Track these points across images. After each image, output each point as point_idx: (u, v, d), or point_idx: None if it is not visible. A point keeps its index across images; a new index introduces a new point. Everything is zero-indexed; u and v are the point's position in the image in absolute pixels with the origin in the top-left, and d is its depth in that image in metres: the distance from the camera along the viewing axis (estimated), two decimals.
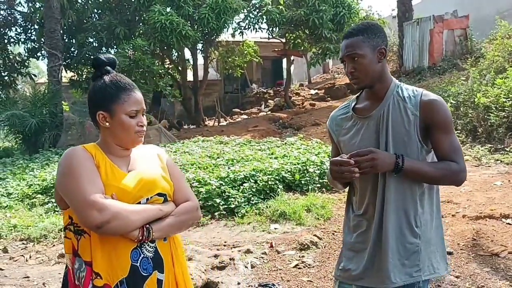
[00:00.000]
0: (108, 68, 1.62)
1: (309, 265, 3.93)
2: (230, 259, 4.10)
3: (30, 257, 4.80)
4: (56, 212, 6.14)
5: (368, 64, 1.72)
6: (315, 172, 6.22)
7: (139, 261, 1.51)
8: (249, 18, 15.51)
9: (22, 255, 4.85)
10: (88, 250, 1.49)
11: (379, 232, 1.73)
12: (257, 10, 15.43)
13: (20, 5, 16.29)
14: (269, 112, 17.04)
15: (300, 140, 9.10)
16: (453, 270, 3.55)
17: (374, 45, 1.72)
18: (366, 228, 1.78)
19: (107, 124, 1.57)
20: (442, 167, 1.69)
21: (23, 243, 5.27)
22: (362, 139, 1.78)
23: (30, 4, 15.60)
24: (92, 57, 15.67)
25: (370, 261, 1.75)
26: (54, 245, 5.13)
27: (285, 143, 8.89)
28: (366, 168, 1.63)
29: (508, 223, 4.32)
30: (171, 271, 1.60)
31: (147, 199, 1.55)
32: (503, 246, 3.85)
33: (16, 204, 6.59)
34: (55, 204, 6.37)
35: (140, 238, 1.49)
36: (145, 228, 1.49)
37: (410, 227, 1.71)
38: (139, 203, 1.53)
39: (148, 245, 1.54)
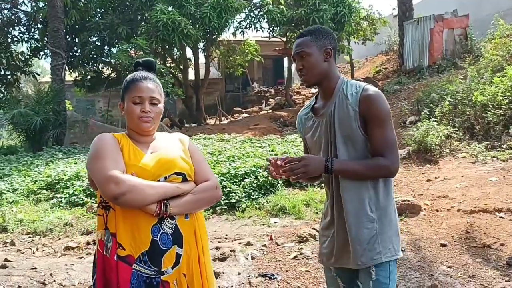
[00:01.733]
0: (140, 67, 1.85)
1: (307, 256, 4.06)
2: (231, 250, 4.23)
3: (37, 249, 4.94)
4: (61, 207, 6.29)
5: (314, 62, 1.89)
6: None
7: (159, 236, 1.65)
8: (250, 18, 15.62)
9: (29, 248, 4.99)
10: (113, 223, 1.65)
11: (339, 219, 1.89)
12: (258, 10, 15.55)
13: (23, 4, 16.41)
14: (270, 111, 17.16)
15: (300, 137, 9.23)
16: (446, 261, 3.68)
17: (321, 45, 1.90)
18: (331, 216, 1.95)
19: (123, 112, 1.78)
20: (371, 164, 1.82)
21: (30, 237, 5.42)
22: (318, 136, 1.96)
23: (33, 4, 15.74)
24: (95, 56, 15.86)
25: (337, 245, 1.91)
26: (59, 239, 5.27)
27: (285, 140, 9.03)
28: (299, 173, 1.79)
29: (501, 217, 4.45)
30: (193, 246, 1.74)
31: (166, 178, 1.69)
32: (495, 238, 3.97)
33: (22, 199, 6.73)
34: (60, 199, 6.52)
35: (158, 212, 1.63)
36: (162, 204, 1.63)
37: (366, 213, 1.84)
38: (158, 181, 1.67)
39: (168, 221, 1.67)
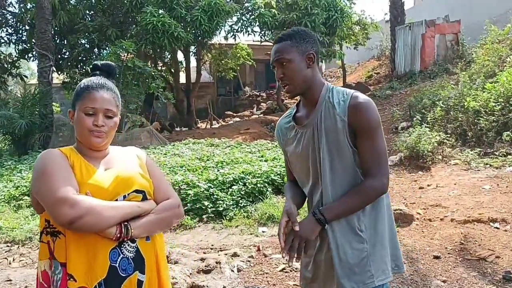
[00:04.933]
0: (97, 72, 1.64)
1: (296, 269, 3.88)
2: (216, 262, 4.05)
3: (13, 260, 4.72)
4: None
5: (296, 69, 1.70)
6: None
7: (118, 261, 1.46)
8: (241, 21, 15.48)
9: (6, 258, 4.77)
10: (63, 251, 1.44)
11: (323, 240, 1.72)
12: (250, 13, 15.42)
13: (11, 5, 16.14)
14: (262, 115, 17.03)
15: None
16: (440, 275, 3.53)
17: (302, 50, 1.70)
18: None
19: (72, 121, 1.58)
20: (359, 195, 1.66)
21: (8, 246, 5.19)
22: (302, 148, 1.77)
23: (21, 5, 15.46)
24: (84, 58, 15.60)
25: (322, 268, 1.75)
26: (38, 248, 5.04)
27: (276, 145, 8.86)
28: (301, 247, 1.64)
29: (496, 227, 4.31)
30: (153, 272, 1.56)
31: (124, 196, 1.51)
32: (490, 251, 3.83)
33: (2, 206, 6.49)
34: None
35: (118, 235, 1.44)
36: (123, 225, 1.45)
37: (355, 233, 1.68)
38: (117, 200, 1.49)
39: (128, 244, 1.49)
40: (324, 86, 1.76)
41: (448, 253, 3.91)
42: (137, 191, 1.54)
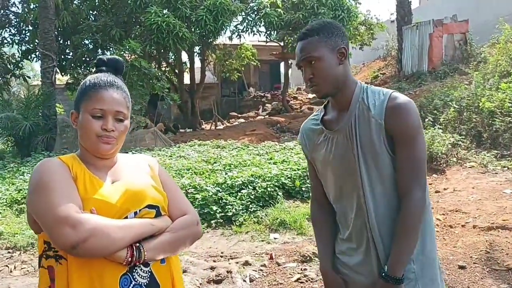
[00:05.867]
0: (103, 68, 1.41)
1: (311, 279, 3.68)
2: (227, 271, 3.85)
3: (14, 267, 4.53)
4: None
5: (327, 67, 1.48)
6: None
7: None
8: (247, 21, 15.31)
9: (7, 265, 4.58)
10: (64, 278, 1.23)
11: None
12: (255, 13, 15.23)
13: (14, 5, 16.01)
14: (267, 116, 16.82)
15: (300, 144, 8.83)
16: (468, 287, 3.31)
17: (332, 45, 1.49)
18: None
19: (75, 125, 1.35)
20: (410, 226, 1.44)
21: (9, 252, 5.00)
22: (333, 156, 1.55)
23: (24, 5, 15.33)
24: (87, 59, 15.44)
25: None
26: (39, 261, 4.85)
27: (284, 147, 8.65)
28: None
29: None
30: None
31: (135, 213, 1.29)
32: None
33: (4, 210, 6.31)
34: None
35: (129, 259, 1.23)
36: (134, 247, 1.23)
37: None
38: (126, 218, 1.27)
39: (140, 269, 1.27)
40: (357, 85, 1.55)
41: (474, 263, 3.68)
42: (149, 207, 1.32)
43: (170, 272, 1.36)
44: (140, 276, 1.27)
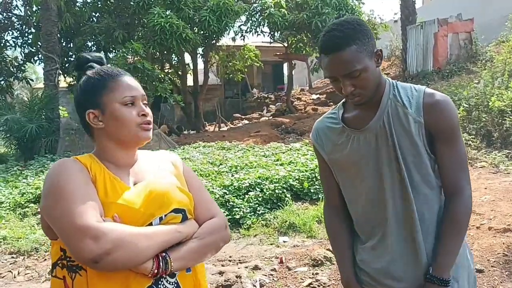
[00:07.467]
0: (93, 64, 1.30)
1: (324, 283, 3.56)
2: (237, 276, 3.74)
3: (18, 273, 4.43)
4: None
5: (370, 76, 1.36)
6: None
7: None
8: (250, 22, 15.21)
9: (10, 271, 4.49)
10: None
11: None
12: (259, 13, 15.13)
13: (16, 8, 15.98)
14: (271, 117, 16.70)
15: (306, 145, 8.73)
16: None
17: (370, 50, 1.35)
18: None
19: (101, 123, 1.23)
20: (461, 224, 1.38)
21: (13, 257, 4.91)
22: (362, 157, 1.43)
23: (27, 7, 15.29)
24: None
25: None
26: (45, 259, 4.76)
27: (291, 148, 8.52)
28: None
29: None
30: None
31: (161, 219, 1.18)
32: None
33: (8, 214, 6.22)
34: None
35: (156, 271, 1.12)
36: (161, 258, 1.13)
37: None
38: (151, 224, 1.17)
39: (166, 280, 1.17)
40: (387, 82, 1.45)
41: (492, 266, 3.56)
42: (176, 211, 1.21)
43: (196, 280, 1.26)
44: (165, 287, 1.17)
